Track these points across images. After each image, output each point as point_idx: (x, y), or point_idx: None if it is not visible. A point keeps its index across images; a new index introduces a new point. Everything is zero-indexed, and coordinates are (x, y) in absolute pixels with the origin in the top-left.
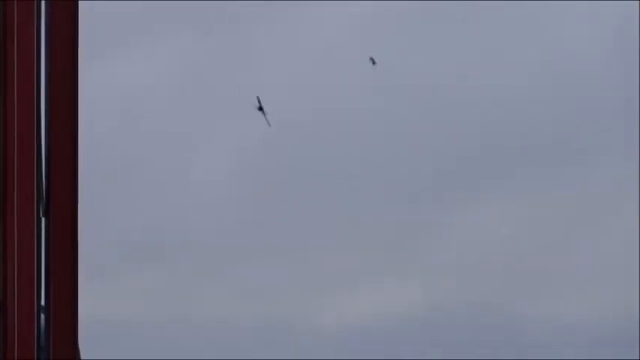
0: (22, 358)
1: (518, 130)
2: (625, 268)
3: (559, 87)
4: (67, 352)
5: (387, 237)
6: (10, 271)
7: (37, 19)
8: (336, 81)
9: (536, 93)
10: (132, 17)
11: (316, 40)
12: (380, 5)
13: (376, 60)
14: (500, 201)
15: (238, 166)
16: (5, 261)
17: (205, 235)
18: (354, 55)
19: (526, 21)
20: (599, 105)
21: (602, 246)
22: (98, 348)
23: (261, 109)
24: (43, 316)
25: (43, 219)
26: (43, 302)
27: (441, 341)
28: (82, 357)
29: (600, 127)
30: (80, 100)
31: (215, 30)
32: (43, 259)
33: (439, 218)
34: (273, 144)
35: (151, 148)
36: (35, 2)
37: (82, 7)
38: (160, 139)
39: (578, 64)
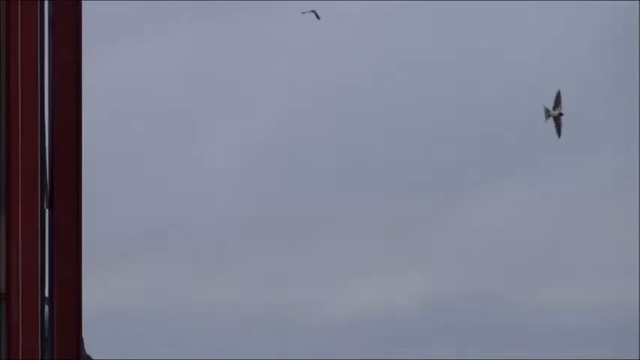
0: (26, 349)
1: (525, 121)
2: (633, 258)
3: (559, 85)
4: (71, 343)
5: (393, 227)
6: (14, 262)
7: (40, 17)
8: (344, 70)
9: (537, 92)
10: (135, 13)
11: (319, 35)
12: (384, 5)
13: (319, 15)
14: (509, 190)
15: (243, 155)
16: (9, 252)
17: (209, 225)
18: (359, 47)
19: (526, 21)
20: (599, 104)
21: (613, 236)
22: (102, 340)
23: None
24: (47, 308)
25: (47, 210)
26: (46, 294)
27: (447, 331)
28: (86, 349)
29: (601, 125)
30: (84, 91)
31: (222, 21)
32: (47, 251)
33: (446, 208)
34: (278, 136)
35: (156, 136)
36: (38, 2)
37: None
38: (165, 127)
39: (578, 63)
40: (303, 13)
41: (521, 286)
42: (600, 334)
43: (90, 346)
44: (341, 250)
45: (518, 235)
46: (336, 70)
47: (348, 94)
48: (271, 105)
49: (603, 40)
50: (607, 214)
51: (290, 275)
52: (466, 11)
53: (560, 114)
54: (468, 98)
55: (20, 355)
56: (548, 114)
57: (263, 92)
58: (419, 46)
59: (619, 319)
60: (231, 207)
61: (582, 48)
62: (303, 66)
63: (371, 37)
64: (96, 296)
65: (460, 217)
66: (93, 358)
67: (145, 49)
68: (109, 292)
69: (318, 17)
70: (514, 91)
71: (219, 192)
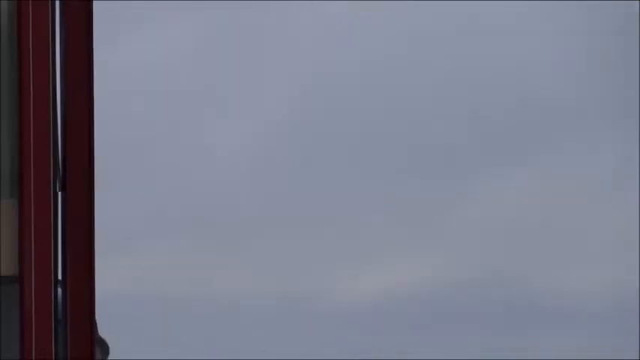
0: (39, 332)
1: (540, 104)
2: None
3: (559, 84)
4: (84, 326)
5: (409, 209)
6: (27, 245)
7: (51, 11)
8: (346, 63)
9: (541, 91)
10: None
11: (325, 27)
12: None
13: None
14: (523, 173)
15: (255, 142)
16: (22, 236)
17: (226, 210)
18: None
19: (526, 21)
20: (599, 103)
21: (628, 219)
22: (116, 323)
23: None
24: (60, 291)
25: (59, 194)
26: (60, 277)
27: (462, 314)
28: (99, 332)
29: (601, 124)
30: (97, 73)
31: (233, 7)
32: (59, 234)
33: (462, 190)
34: (294, 121)
35: (173, 120)
36: (49, 1)
37: None
38: (182, 111)
39: (578, 62)
40: None
41: (530, 270)
42: (620, 314)
43: (103, 329)
44: (356, 236)
45: (527, 221)
46: (338, 62)
47: (361, 75)
48: (283, 93)
49: (603, 40)
50: (629, 194)
51: (304, 262)
52: (468, 11)
53: None
54: (483, 92)
55: (33, 338)
56: None
57: (273, 80)
58: (419, 42)
59: (623, 303)
60: (244, 192)
61: (582, 47)
62: (310, 57)
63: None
64: (109, 279)
65: (471, 204)
66: (106, 340)
67: (158, 35)
68: (120, 276)
69: None
70: (522, 89)
71: (231, 178)
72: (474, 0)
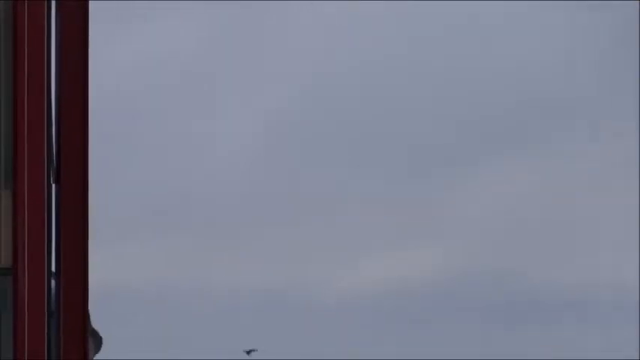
0: (33, 323)
1: (540, 104)
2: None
3: (560, 82)
4: (78, 318)
5: (409, 206)
6: (20, 237)
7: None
8: (349, 58)
9: (543, 89)
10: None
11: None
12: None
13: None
14: (523, 171)
15: (260, 140)
16: (16, 227)
17: (226, 209)
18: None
19: (527, 22)
20: (599, 101)
21: (629, 211)
22: (111, 314)
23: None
24: (53, 282)
25: (53, 185)
26: (53, 268)
27: (463, 306)
28: (92, 324)
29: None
30: (99, 70)
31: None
32: (53, 226)
33: (461, 187)
34: (293, 121)
35: (172, 118)
36: (45, 1)
37: None
38: (182, 110)
39: (578, 62)
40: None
41: (530, 266)
42: (620, 307)
43: (96, 321)
44: (356, 233)
45: (527, 218)
46: (338, 62)
47: (360, 74)
48: (283, 92)
49: (603, 40)
50: (612, 194)
51: (304, 260)
52: (468, 11)
53: None
54: (483, 92)
55: (26, 328)
56: None
57: (273, 80)
58: (419, 42)
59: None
60: (246, 184)
61: (582, 47)
62: (310, 57)
63: (386, 30)
64: (103, 271)
65: (470, 201)
66: (99, 332)
67: (158, 35)
68: (115, 267)
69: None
70: (522, 89)
71: (231, 177)
72: (474, 0)
